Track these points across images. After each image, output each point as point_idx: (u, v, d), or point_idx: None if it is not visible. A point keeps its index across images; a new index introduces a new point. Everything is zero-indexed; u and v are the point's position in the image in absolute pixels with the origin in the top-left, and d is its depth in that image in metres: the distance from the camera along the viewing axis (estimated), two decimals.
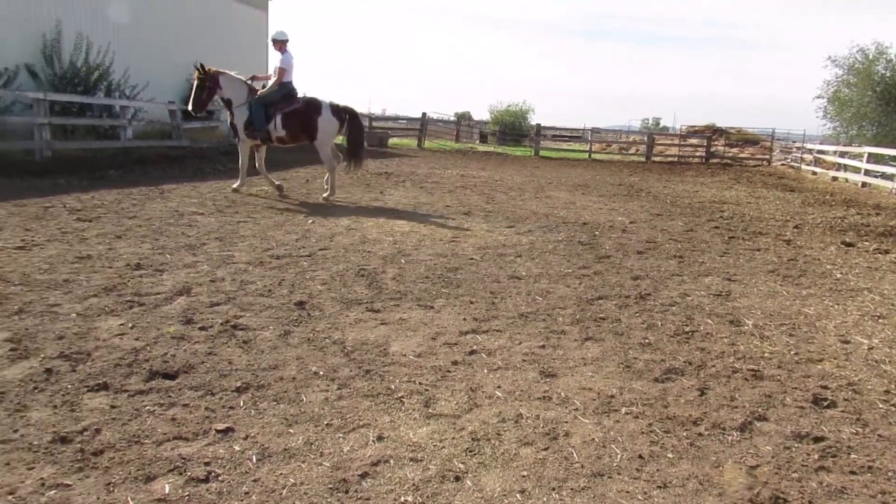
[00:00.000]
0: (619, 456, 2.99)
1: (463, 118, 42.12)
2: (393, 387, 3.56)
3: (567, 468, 2.87)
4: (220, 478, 2.62)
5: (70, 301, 4.61)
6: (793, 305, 5.76)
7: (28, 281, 5.00)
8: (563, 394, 3.61)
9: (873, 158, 19.77)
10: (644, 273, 6.62)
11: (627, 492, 2.72)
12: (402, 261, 6.48)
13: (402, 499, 2.56)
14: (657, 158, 29.02)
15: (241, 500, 2.49)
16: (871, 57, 26.04)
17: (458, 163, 21.40)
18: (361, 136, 11.10)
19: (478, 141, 35.94)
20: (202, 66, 10.03)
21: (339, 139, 11.15)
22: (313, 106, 10.41)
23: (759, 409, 3.56)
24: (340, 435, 3.01)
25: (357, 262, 6.33)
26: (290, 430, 3.01)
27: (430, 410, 3.31)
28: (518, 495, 2.64)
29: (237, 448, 2.84)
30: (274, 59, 10.52)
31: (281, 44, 10.29)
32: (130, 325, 4.20)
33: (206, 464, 2.70)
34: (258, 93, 10.27)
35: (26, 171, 11.17)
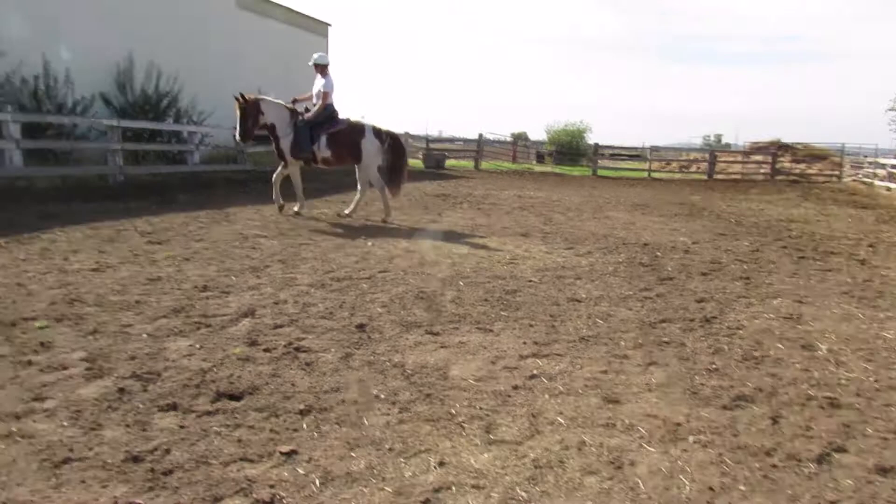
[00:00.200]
0: (687, 487, 2.90)
1: (519, 139, 42.16)
2: (453, 411, 3.54)
3: (633, 499, 2.79)
4: (284, 501, 2.64)
5: (141, 322, 4.77)
6: (870, 329, 5.51)
7: (102, 302, 5.21)
8: (627, 421, 3.53)
9: None
10: (709, 295, 6.45)
11: None
12: (461, 283, 6.48)
13: None
14: (720, 176, 28.36)
15: None
16: None
17: (515, 183, 21.39)
18: (404, 159, 11.27)
19: (535, 161, 35.87)
20: (242, 95, 10.19)
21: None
22: (357, 128, 10.67)
23: (838, 440, 3.40)
24: (402, 460, 3.01)
25: (416, 284, 6.36)
26: (353, 454, 3.03)
27: (491, 436, 3.28)
28: None
29: (301, 471, 2.86)
30: (310, 79, 10.79)
31: (322, 67, 10.57)
32: (198, 346, 4.32)
33: (271, 486, 2.74)
34: (302, 116, 10.48)
35: (101, 195, 11.68)
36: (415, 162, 29.97)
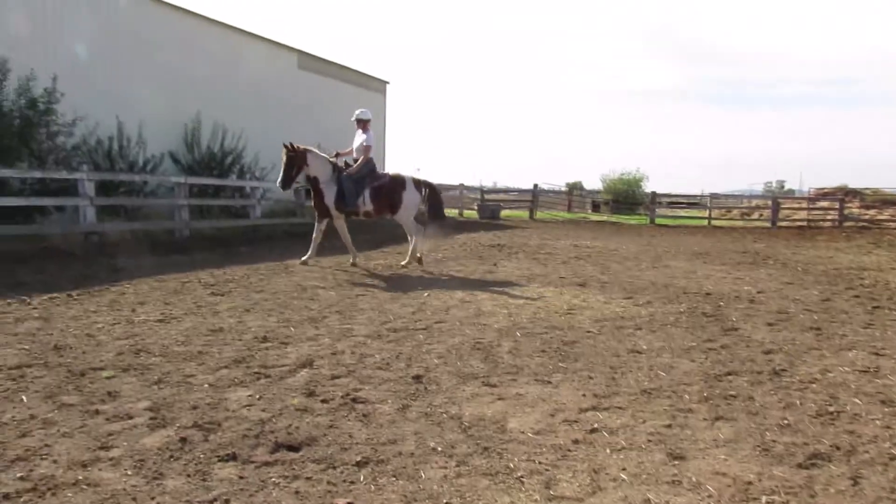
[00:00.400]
0: None
1: (574, 188, 42.06)
2: (512, 465, 3.46)
3: None
4: None
5: (203, 372, 4.86)
6: None
7: (167, 352, 5.34)
8: (694, 478, 3.38)
9: None
10: (777, 347, 6.20)
11: None
12: (518, 334, 6.42)
13: None
14: (784, 223, 27.61)
15: None
16: None
17: (571, 233, 21.27)
18: (441, 207, 11.69)
19: (590, 210, 35.67)
20: (291, 144, 10.44)
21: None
22: (399, 181, 10.96)
23: None
24: None
25: (472, 335, 6.32)
26: None
27: (550, 492, 3.19)
28: None
29: None
30: (349, 132, 11.13)
31: (364, 123, 10.89)
32: (258, 397, 4.36)
33: None
34: (346, 169, 10.69)
35: (168, 249, 12.13)
36: (470, 213, 30.21)
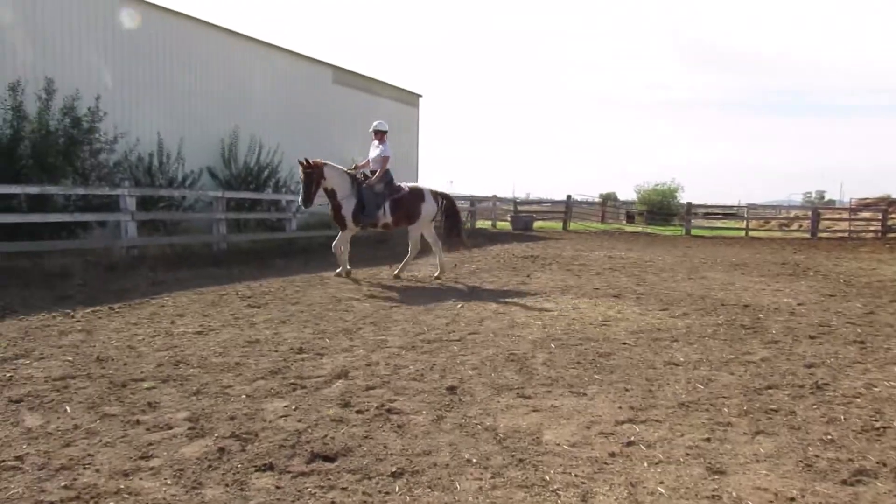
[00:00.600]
0: None
1: (608, 199, 41.75)
2: (548, 478, 3.43)
3: None
4: None
5: (240, 383, 4.92)
6: None
7: (205, 363, 5.43)
8: (734, 493, 3.31)
9: None
10: (819, 360, 6.06)
11: None
12: (552, 345, 6.38)
13: None
14: (824, 234, 27.02)
15: None
16: None
17: (605, 244, 21.10)
18: (458, 218, 11.72)
19: (624, 221, 35.35)
20: (306, 160, 10.29)
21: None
22: (418, 193, 11.03)
23: None
24: None
25: (506, 346, 6.30)
26: None
27: None
28: None
29: None
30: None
31: (382, 134, 10.93)
32: (294, 408, 4.40)
33: None
34: (366, 181, 10.70)
35: (205, 262, 12.35)
36: (503, 224, 30.16)
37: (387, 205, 10.71)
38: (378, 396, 4.68)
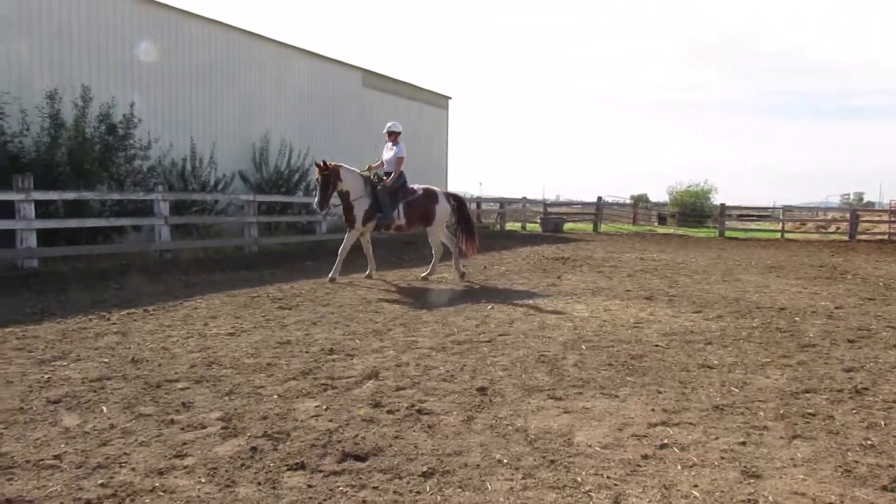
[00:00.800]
0: None
1: (640, 201, 41.35)
2: (579, 479, 3.40)
3: None
4: None
5: (272, 383, 4.97)
6: None
7: (237, 364, 5.49)
8: (770, 497, 3.24)
9: None
10: (858, 364, 5.91)
11: None
12: (583, 347, 6.32)
13: None
14: (863, 237, 26.39)
15: None
16: None
17: (637, 245, 20.88)
18: (471, 220, 11.65)
19: (656, 223, 34.97)
20: (324, 162, 10.26)
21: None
22: (432, 195, 11.02)
23: None
24: None
25: (537, 347, 6.26)
26: None
27: None
28: None
29: None
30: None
31: (396, 135, 10.89)
32: (325, 408, 4.43)
33: None
34: (381, 183, 10.66)
35: (237, 265, 12.49)
36: (532, 226, 30.05)
37: (401, 206, 10.71)
38: (408, 397, 4.69)
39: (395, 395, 4.72)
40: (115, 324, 7.04)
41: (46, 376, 5.04)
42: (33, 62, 13.23)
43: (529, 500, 3.15)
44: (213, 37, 17.55)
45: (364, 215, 10.53)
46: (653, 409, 4.53)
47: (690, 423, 4.28)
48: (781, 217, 30.60)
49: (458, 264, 11.21)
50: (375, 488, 3.25)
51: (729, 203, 29.94)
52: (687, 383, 5.19)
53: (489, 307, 8.43)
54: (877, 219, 31.14)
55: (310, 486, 3.25)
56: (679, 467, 3.58)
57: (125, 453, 3.63)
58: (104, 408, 4.37)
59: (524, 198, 32.85)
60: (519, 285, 10.65)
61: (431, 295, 9.51)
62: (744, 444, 3.94)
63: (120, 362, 5.50)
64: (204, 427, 4.05)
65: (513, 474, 3.44)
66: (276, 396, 4.65)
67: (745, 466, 3.60)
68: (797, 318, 8.06)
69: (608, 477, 3.43)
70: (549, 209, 33.27)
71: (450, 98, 29.48)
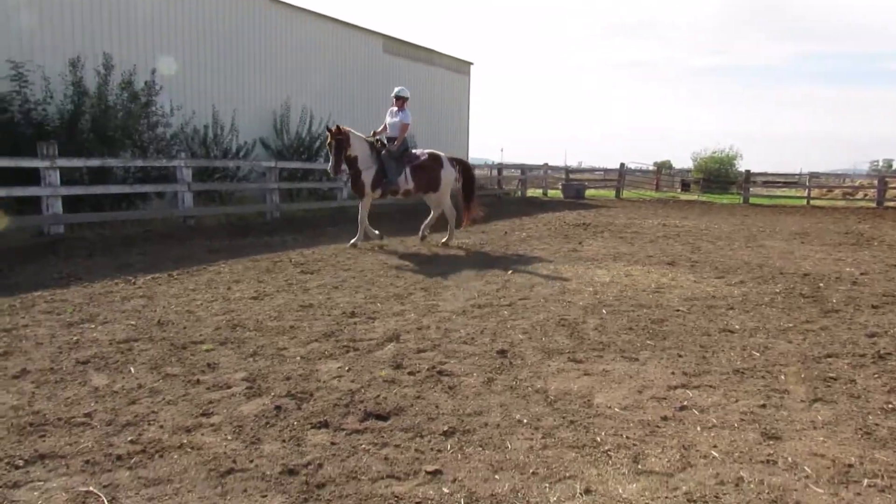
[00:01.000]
0: None
1: (663, 167, 40.87)
2: (599, 439, 3.43)
3: None
4: None
5: (295, 345, 5.04)
6: None
7: (261, 327, 5.57)
8: (790, 458, 3.25)
9: None
10: (882, 330, 5.85)
11: None
12: (604, 311, 6.32)
13: None
14: (891, 203, 25.89)
15: None
16: None
17: (659, 212, 20.70)
18: (473, 184, 11.62)
19: (679, 190, 34.57)
20: (337, 126, 10.12)
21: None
22: (437, 160, 10.98)
23: None
24: (546, 485, 2.94)
25: (557, 311, 6.28)
26: (496, 476, 3.01)
27: (639, 466, 3.14)
28: None
29: (446, 490, 2.88)
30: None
31: (403, 101, 10.74)
32: (347, 369, 4.49)
33: (418, 503, 2.77)
34: (386, 148, 10.58)
35: (259, 231, 12.60)
36: (554, 192, 29.87)
37: (407, 171, 10.64)
38: (429, 359, 4.74)
39: (416, 357, 4.77)
40: (140, 288, 7.16)
41: (75, 338, 5.16)
42: (55, 29, 13.27)
43: (549, 459, 3.19)
44: (233, 3, 17.45)
45: (372, 181, 10.47)
46: (673, 373, 4.54)
47: (710, 386, 4.28)
48: (808, 184, 30.10)
49: (428, 226, 11.34)
50: (397, 446, 3.31)
51: (754, 170, 29.47)
52: (708, 347, 5.18)
53: (509, 272, 8.44)
54: None
55: (333, 444, 3.32)
56: (698, 429, 3.60)
57: (153, 412, 3.72)
58: (132, 368, 4.47)
59: (546, 164, 32.59)
60: (540, 251, 10.63)
61: (451, 260, 9.53)
62: (764, 406, 3.95)
63: (146, 325, 5.61)
64: (229, 387, 4.13)
65: (532, 434, 3.48)
66: (299, 358, 4.72)
67: (764, 428, 3.61)
68: (821, 284, 7.98)
69: (627, 437, 3.46)
70: (571, 176, 33.01)
71: (472, 64, 29.15)
